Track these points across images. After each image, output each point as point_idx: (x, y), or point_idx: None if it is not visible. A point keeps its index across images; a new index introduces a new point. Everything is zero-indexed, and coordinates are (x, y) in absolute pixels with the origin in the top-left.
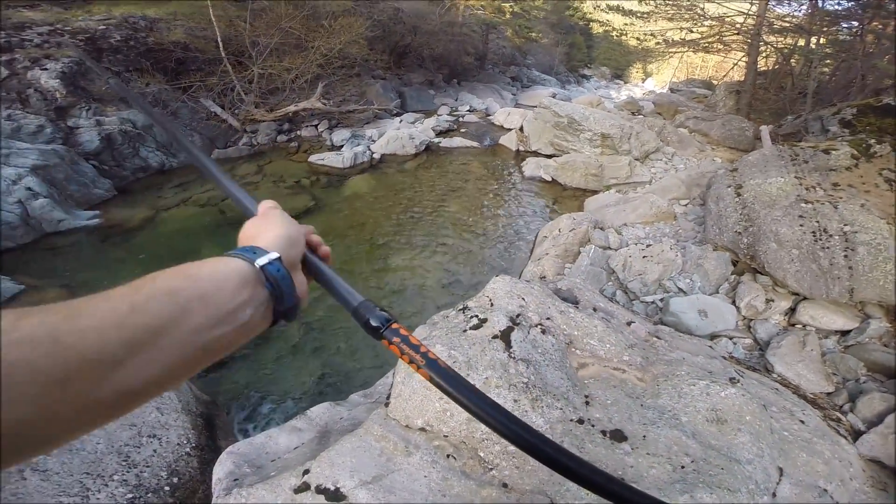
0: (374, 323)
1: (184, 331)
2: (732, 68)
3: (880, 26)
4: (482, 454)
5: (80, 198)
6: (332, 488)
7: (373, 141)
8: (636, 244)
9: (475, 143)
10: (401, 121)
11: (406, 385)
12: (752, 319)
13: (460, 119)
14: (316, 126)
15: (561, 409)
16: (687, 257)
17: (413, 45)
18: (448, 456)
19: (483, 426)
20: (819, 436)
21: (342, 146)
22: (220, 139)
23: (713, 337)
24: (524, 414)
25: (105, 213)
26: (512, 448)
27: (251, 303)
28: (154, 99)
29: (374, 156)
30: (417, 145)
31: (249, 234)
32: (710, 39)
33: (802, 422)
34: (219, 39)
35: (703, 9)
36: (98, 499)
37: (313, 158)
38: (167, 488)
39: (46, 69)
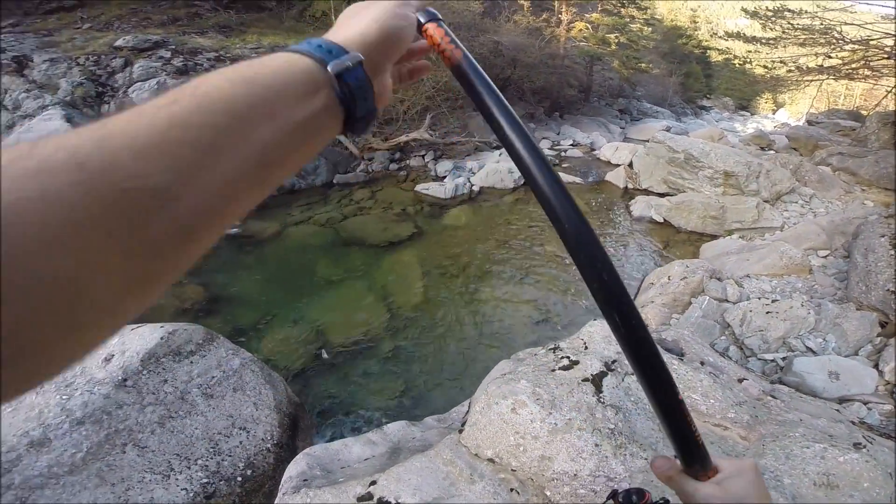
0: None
1: (244, 147)
2: (886, 96)
3: None
4: (548, 493)
5: None
6: (394, 502)
7: (473, 173)
8: (759, 298)
9: (578, 179)
10: (500, 154)
11: (484, 415)
12: None
13: (563, 154)
14: (423, 156)
15: (645, 459)
16: (822, 315)
17: (513, 78)
18: (511, 490)
19: (556, 465)
20: None
21: (445, 177)
22: (341, 165)
23: (843, 401)
24: (604, 459)
25: (244, 224)
26: (582, 490)
27: (320, 114)
28: None
29: (474, 188)
30: (516, 179)
31: (344, 17)
32: (853, 65)
33: None
34: None
35: (840, 32)
36: (177, 479)
37: (419, 188)
38: (240, 479)
39: None
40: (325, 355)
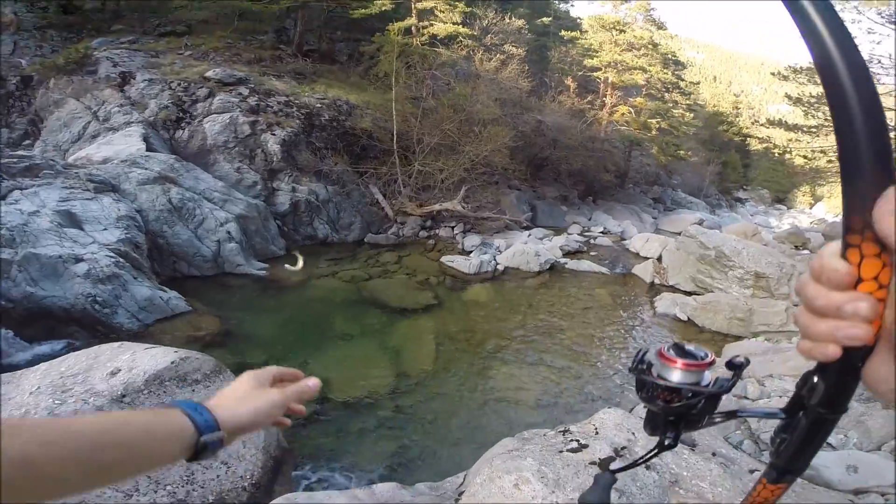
0: None
1: (125, 472)
2: None
3: None
4: None
5: (259, 250)
6: None
7: (499, 251)
8: (780, 396)
9: (604, 270)
10: (529, 235)
11: (484, 487)
12: None
13: (591, 241)
14: (452, 228)
15: None
16: (846, 414)
17: (551, 159)
18: None
19: None
20: None
21: (471, 251)
22: (374, 224)
23: (858, 492)
24: None
25: (272, 267)
26: None
27: (178, 455)
28: (337, 177)
29: (499, 266)
30: (542, 263)
31: (235, 391)
32: None
33: None
34: (394, 132)
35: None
36: (139, 500)
37: (444, 259)
38: None
39: (275, 135)
40: (320, 414)
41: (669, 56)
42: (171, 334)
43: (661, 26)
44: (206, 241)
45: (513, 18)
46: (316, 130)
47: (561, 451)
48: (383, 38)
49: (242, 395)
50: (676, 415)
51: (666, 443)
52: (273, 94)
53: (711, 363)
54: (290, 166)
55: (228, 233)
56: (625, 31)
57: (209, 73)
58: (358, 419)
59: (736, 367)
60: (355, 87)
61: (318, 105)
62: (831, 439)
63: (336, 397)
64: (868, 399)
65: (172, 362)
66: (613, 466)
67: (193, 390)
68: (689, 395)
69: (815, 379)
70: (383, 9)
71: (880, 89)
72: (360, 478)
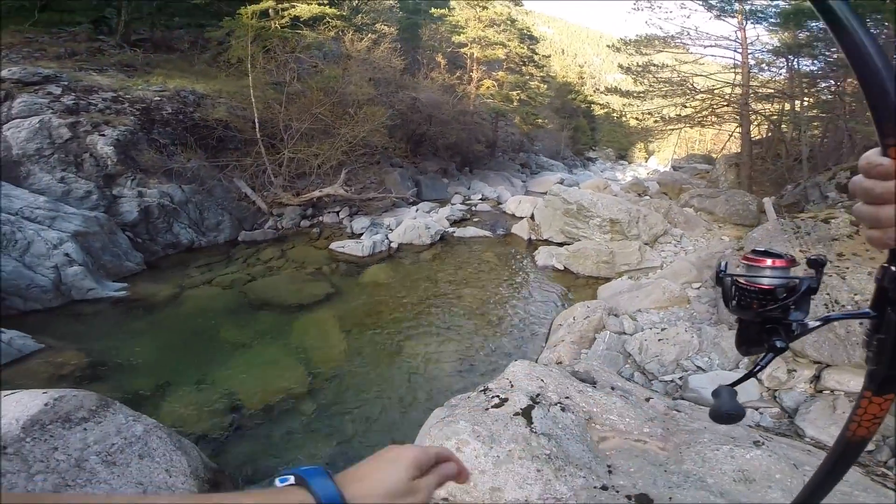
0: None
1: None
2: (728, 140)
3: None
4: None
5: (111, 268)
6: None
7: (390, 230)
8: (651, 328)
9: (488, 233)
10: (417, 210)
11: None
12: (776, 390)
13: (473, 208)
14: (337, 213)
15: (584, 477)
16: (703, 338)
17: (428, 134)
18: None
19: (506, 495)
20: (861, 489)
21: (362, 234)
22: (247, 220)
23: None
24: (548, 482)
25: (132, 286)
26: None
27: None
28: (193, 175)
29: (392, 245)
30: (433, 235)
31: (369, 468)
32: (703, 113)
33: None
34: (256, 120)
35: (692, 83)
36: None
37: (334, 246)
38: None
39: (104, 135)
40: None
41: (525, 31)
42: (28, 377)
43: (517, 2)
44: (40, 269)
45: None
46: (158, 126)
47: (487, 409)
48: (233, 21)
49: (374, 468)
50: (773, 320)
51: (778, 345)
52: (95, 90)
53: (794, 260)
54: (132, 168)
55: (67, 255)
56: (487, 8)
57: (3, 74)
58: (282, 424)
59: (818, 265)
60: (202, 75)
61: (157, 98)
62: (699, 363)
63: (250, 409)
64: (716, 323)
65: (46, 404)
66: (729, 382)
67: (85, 429)
68: (784, 295)
69: (895, 269)
70: None
71: (688, 58)
72: None
